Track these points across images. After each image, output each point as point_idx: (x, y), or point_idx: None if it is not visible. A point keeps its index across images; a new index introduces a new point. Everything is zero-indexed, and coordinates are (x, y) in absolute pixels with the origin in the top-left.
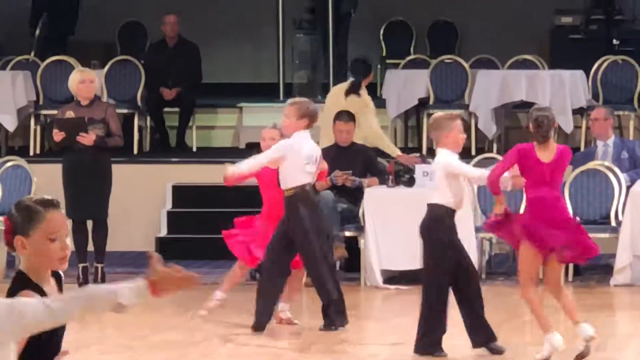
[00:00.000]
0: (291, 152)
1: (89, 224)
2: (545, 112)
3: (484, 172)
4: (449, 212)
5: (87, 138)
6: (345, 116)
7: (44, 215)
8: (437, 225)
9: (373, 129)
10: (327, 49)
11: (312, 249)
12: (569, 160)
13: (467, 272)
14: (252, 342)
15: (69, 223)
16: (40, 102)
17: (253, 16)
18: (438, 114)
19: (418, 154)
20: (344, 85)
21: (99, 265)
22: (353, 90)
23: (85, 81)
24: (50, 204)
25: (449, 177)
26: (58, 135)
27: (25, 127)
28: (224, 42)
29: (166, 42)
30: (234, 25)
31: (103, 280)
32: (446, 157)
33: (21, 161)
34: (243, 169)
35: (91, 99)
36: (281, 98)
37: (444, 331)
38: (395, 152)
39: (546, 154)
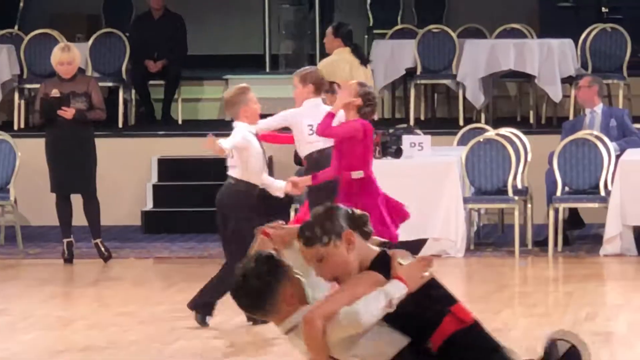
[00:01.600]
0: (294, 121)
1: (74, 198)
2: (370, 89)
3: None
4: (254, 188)
5: (68, 112)
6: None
7: None
8: (244, 200)
9: None
10: (314, 19)
11: None
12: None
13: None
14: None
15: (52, 197)
16: (25, 76)
17: None
18: (228, 91)
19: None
20: (345, 55)
21: (98, 240)
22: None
23: (63, 63)
24: None
25: (246, 150)
26: (40, 112)
27: (10, 102)
28: (209, 13)
29: (151, 14)
30: None
31: (109, 255)
32: (242, 130)
33: (5, 136)
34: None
35: (72, 74)
36: (267, 70)
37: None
38: None
39: None
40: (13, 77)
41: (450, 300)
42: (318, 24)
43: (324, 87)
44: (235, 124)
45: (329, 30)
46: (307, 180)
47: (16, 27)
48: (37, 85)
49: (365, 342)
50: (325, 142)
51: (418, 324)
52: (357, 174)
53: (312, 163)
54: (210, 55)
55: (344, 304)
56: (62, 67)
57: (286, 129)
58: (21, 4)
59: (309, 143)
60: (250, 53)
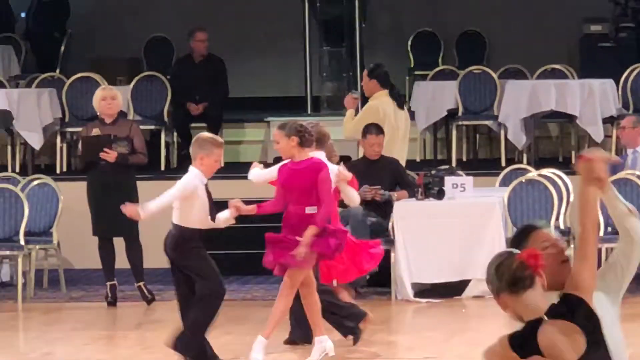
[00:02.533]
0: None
1: (116, 241)
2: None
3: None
4: (195, 232)
5: (110, 155)
6: (376, 129)
7: None
8: (188, 244)
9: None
10: (354, 61)
11: None
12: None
13: None
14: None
15: (95, 240)
16: (66, 120)
17: (279, 30)
18: (205, 134)
19: (379, 187)
20: (384, 98)
21: (141, 283)
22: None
23: (106, 98)
24: None
25: (189, 199)
26: (82, 154)
27: (52, 145)
28: (250, 56)
29: (192, 57)
30: (260, 39)
31: (152, 297)
32: (190, 178)
33: (48, 179)
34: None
35: (114, 116)
36: (309, 112)
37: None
38: None
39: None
40: (55, 121)
41: None
42: (359, 66)
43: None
44: (191, 168)
45: (365, 72)
46: (251, 209)
47: (58, 71)
48: (79, 129)
49: None
50: None
51: None
52: (311, 210)
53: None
54: (252, 97)
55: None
56: (105, 103)
57: None
58: (62, 48)
59: None
60: (291, 95)
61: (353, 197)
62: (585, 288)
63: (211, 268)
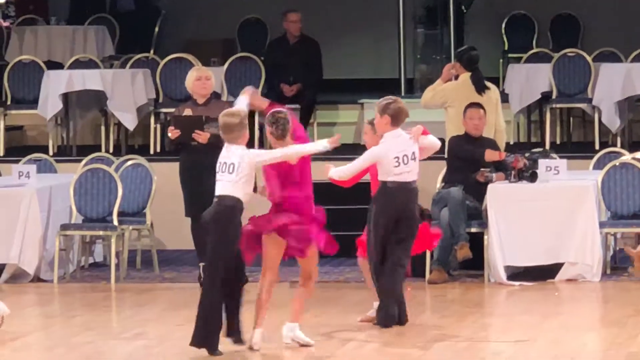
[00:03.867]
0: (380, 158)
1: None
2: (281, 114)
3: None
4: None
5: (203, 136)
6: (475, 104)
7: None
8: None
9: (503, 126)
10: (448, 43)
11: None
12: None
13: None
14: (364, 336)
15: (188, 221)
16: (160, 100)
17: (373, 12)
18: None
19: (488, 169)
20: (466, 81)
21: None
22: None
23: (201, 78)
24: None
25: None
26: (174, 133)
27: (145, 126)
28: (344, 38)
29: (287, 39)
30: (354, 21)
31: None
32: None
33: (141, 160)
34: (343, 176)
35: (207, 96)
36: (402, 93)
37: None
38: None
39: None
40: (149, 102)
41: None
42: (453, 47)
43: (402, 118)
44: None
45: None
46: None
47: (152, 52)
48: (172, 110)
49: None
50: (409, 176)
51: None
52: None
53: (385, 189)
54: (346, 79)
55: None
56: (199, 83)
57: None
58: (156, 29)
59: (395, 174)
60: (385, 77)
61: (434, 142)
62: None
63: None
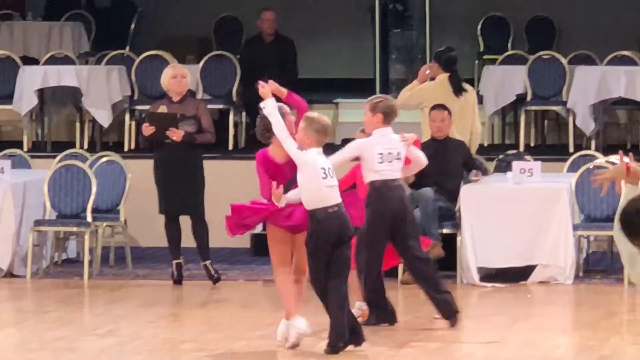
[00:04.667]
0: (364, 150)
1: (183, 220)
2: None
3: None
4: None
5: (177, 134)
6: (439, 106)
7: None
8: None
9: (479, 128)
10: (424, 44)
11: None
12: None
13: None
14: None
15: (161, 218)
16: (135, 97)
17: (349, 11)
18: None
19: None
20: (443, 82)
21: (207, 262)
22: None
23: (176, 76)
24: None
25: None
26: (147, 130)
27: (120, 123)
28: (320, 37)
29: (262, 37)
30: (330, 20)
31: (218, 277)
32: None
33: (116, 157)
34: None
35: (183, 94)
36: (378, 94)
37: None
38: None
39: (280, 154)
40: (124, 99)
41: None
42: (429, 49)
43: (393, 116)
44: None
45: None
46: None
47: (127, 49)
48: (147, 107)
49: None
50: (392, 174)
51: None
52: None
53: (374, 190)
54: (321, 78)
55: None
56: (174, 81)
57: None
58: (132, 26)
59: (376, 172)
60: (361, 77)
61: (421, 157)
62: None
63: None
